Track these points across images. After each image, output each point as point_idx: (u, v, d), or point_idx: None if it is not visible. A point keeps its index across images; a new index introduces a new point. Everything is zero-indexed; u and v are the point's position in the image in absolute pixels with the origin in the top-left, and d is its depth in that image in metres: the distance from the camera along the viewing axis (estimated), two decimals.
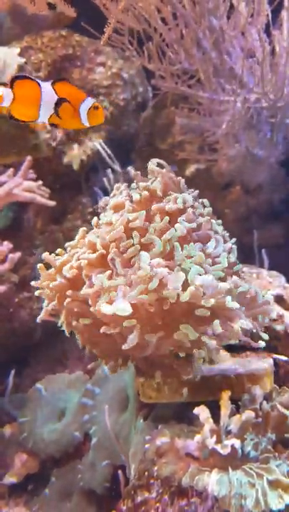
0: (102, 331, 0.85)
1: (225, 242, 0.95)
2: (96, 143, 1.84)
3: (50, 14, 1.85)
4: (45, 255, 0.97)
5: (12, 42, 1.88)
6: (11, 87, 0.90)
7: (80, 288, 0.90)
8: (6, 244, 1.42)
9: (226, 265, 0.86)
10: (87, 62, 1.88)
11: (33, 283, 0.98)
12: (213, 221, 0.97)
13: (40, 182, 1.62)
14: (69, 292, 0.90)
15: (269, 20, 1.53)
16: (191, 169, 1.99)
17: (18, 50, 1.77)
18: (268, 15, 1.52)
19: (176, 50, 1.59)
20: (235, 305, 0.81)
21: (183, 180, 1.01)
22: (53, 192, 1.74)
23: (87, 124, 0.91)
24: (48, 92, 0.90)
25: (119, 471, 1.16)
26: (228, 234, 1.01)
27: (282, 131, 1.80)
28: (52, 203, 1.63)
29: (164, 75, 1.63)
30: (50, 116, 0.91)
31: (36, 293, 0.98)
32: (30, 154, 1.70)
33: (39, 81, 0.91)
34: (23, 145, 1.75)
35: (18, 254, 1.43)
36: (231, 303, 0.80)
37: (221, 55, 1.59)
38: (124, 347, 0.82)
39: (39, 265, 0.97)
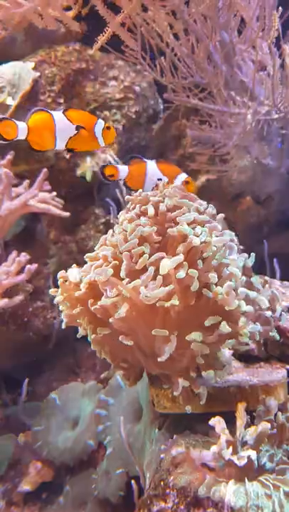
0: (120, 339, 0.87)
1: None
2: (108, 155, 1.87)
3: (63, 28, 1.89)
4: (61, 273, 1.00)
5: (26, 56, 1.92)
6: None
7: (100, 298, 0.92)
8: (24, 255, 1.45)
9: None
10: (100, 76, 1.91)
11: (51, 291, 1.00)
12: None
13: (54, 193, 1.65)
14: (90, 302, 0.93)
15: (279, 33, 1.55)
16: (202, 180, 2.02)
17: (32, 65, 1.81)
18: (278, 29, 1.54)
19: (188, 64, 1.61)
20: (250, 308, 0.84)
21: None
22: (67, 203, 1.77)
23: (103, 145, 0.97)
24: (61, 120, 0.96)
25: (133, 481, 1.17)
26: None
27: None
28: (66, 214, 1.66)
29: (176, 88, 1.65)
30: (67, 142, 0.97)
31: (55, 300, 1.01)
32: (38, 163, 1.75)
33: (51, 111, 0.96)
34: (32, 154, 1.79)
35: (34, 266, 1.46)
36: (246, 307, 0.83)
37: (232, 69, 1.61)
38: (161, 359, 0.85)
39: (60, 279, 1.00)
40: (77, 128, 0.96)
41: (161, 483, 0.87)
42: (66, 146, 0.99)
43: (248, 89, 1.62)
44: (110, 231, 1.04)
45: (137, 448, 1.19)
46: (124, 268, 0.88)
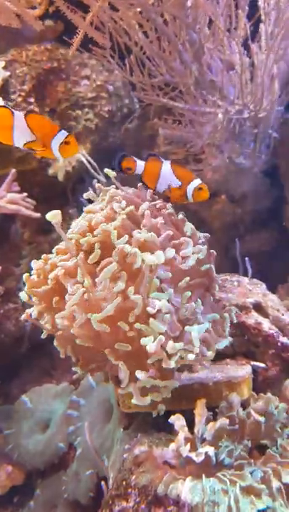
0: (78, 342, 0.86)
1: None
2: (80, 154, 1.86)
3: (37, 28, 1.88)
4: (34, 262, 0.99)
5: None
6: None
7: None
8: None
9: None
10: (72, 75, 1.90)
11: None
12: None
13: (24, 194, 1.64)
14: (55, 299, 0.92)
15: (248, 33, 1.56)
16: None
17: (2, 64, 1.79)
18: (246, 29, 1.55)
19: (158, 63, 1.61)
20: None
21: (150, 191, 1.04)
22: (40, 203, 1.75)
23: (59, 157, 0.95)
24: (20, 121, 0.95)
25: (102, 482, 1.16)
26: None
27: (265, 141, 1.83)
28: (36, 215, 1.64)
29: (145, 87, 1.65)
30: (24, 144, 0.96)
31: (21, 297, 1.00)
32: (15, 167, 1.73)
33: (13, 110, 0.96)
34: (8, 158, 1.77)
35: None
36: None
37: (202, 68, 1.61)
38: (123, 385, 0.84)
39: (25, 275, 0.99)
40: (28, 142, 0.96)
41: (123, 482, 0.86)
42: (23, 146, 0.99)
43: (218, 89, 1.62)
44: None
45: (106, 448, 1.18)
46: (80, 270, 0.88)
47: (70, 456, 1.31)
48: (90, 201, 1.95)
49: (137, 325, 0.80)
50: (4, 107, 1.00)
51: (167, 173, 1.03)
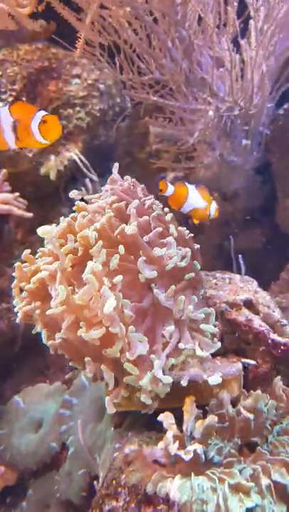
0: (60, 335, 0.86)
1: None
2: (72, 153, 1.85)
3: (31, 27, 1.87)
4: (25, 253, 0.99)
5: None
6: None
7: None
8: None
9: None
10: (63, 74, 1.89)
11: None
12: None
13: (16, 194, 1.63)
14: (38, 304, 0.92)
15: (238, 30, 1.56)
16: (169, 177, 2.01)
17: None
18: (235, 25, 1.54)
19: (147, 61, 1.60)
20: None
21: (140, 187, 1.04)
22: (33, 203, 1.74)
23: (42, 140, 0.91)
24: (6, 117, 0.92)
25: (95, 482, 1.16)
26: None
27: (256, 138, 1.82)
28: (29, 215, 1.64)
29: (135, 85, 1.65)
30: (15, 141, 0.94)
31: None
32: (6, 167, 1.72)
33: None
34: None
35: None
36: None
37: (192, 65, 1.61)
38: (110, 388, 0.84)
39: (17, 264, 0.99)
40: (13, 124, 0.91)
41: (113, 481, 0.86)
42: (16, 144, 0.94)
43: (209, 86, 1.62)
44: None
45: (98, 447, 1.18)
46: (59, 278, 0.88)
47: (63, 455, 1.31)
48: (83, 201, 1.96)
49: (127, 365, 0.82)
50: None
51: (195, 196, 1.13)
